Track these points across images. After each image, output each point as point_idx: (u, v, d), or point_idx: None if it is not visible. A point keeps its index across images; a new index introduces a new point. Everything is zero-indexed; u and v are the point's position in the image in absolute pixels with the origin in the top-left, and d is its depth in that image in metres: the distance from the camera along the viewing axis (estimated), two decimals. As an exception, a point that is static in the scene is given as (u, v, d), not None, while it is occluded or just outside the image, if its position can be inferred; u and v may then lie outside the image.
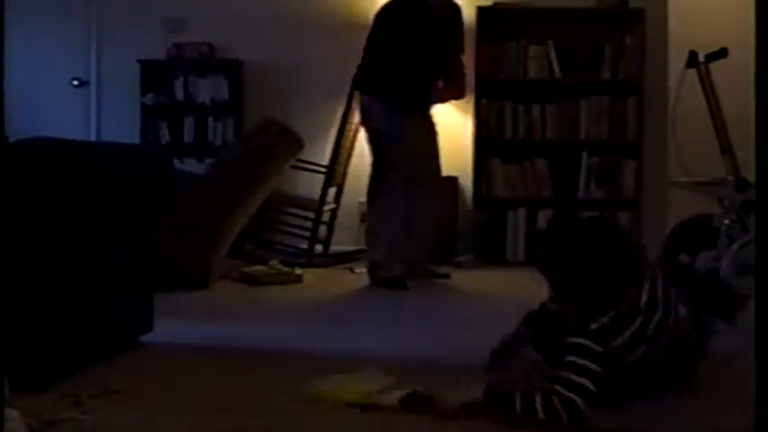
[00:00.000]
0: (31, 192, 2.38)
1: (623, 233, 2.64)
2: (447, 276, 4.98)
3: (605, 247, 2.39)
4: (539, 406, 2.21)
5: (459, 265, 5.53)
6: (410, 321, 3.72)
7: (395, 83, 4.60)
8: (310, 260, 5.40)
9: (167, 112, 6.29)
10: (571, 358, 2.29)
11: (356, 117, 5.27)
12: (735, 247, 3.52)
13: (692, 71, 3.69)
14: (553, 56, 5.89)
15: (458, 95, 5.02)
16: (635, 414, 2.33)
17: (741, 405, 1.90)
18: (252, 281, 4.77)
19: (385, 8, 4.74)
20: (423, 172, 4.77)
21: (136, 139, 6.12)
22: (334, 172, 5.59)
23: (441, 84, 4.85)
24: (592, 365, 2.26)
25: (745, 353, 1.75)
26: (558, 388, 2.23)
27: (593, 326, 2.31)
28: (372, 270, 4.67)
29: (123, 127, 6.25)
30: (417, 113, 4.76)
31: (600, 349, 2.28)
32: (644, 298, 2.37)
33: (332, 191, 5.72)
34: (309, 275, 4.95)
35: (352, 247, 5.66)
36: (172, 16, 6.32)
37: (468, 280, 5.03)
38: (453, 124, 6.07)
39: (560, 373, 2.28)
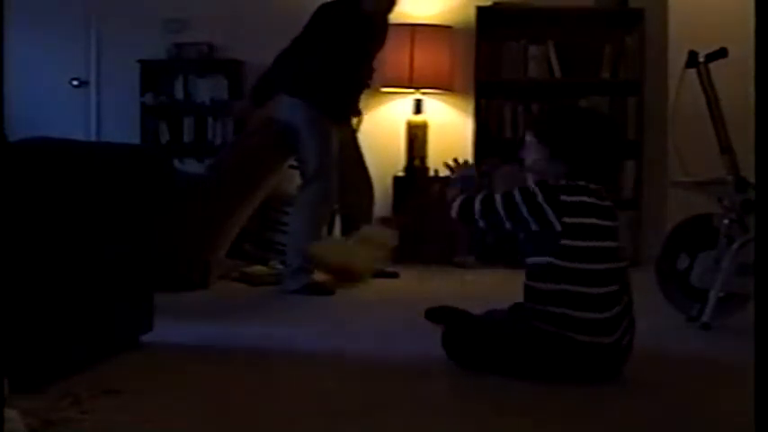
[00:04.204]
0: (31, 192, 2.38)
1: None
2: (395, 275, 5.01)
3: (600, 137, 2.70)
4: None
5: (460, 265, 5.53)
6: (410, 319, 3.71)
7: (330, 88, 4.52)
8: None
9: (167, 112, 6.29)
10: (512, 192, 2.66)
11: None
12: (735, 247, 3.51)
13: (692, 71, 3.69)
14: (553, 56, 5.89)
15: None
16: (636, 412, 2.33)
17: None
18: (252, 281, 4.76)
19: (325, 10, 4.53)
20: (351, 175, 4.77)
21: (136, 139, 6.12)
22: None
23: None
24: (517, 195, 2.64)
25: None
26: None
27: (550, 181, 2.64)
28: (295, 275, 4.48)
29: (123, 127, 6.25)
30: (344, 121, 4.75)
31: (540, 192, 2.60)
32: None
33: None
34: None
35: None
36: (172, 16, 6.32)
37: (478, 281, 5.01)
38: (453, 124, 6.07)
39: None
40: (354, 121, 4.96)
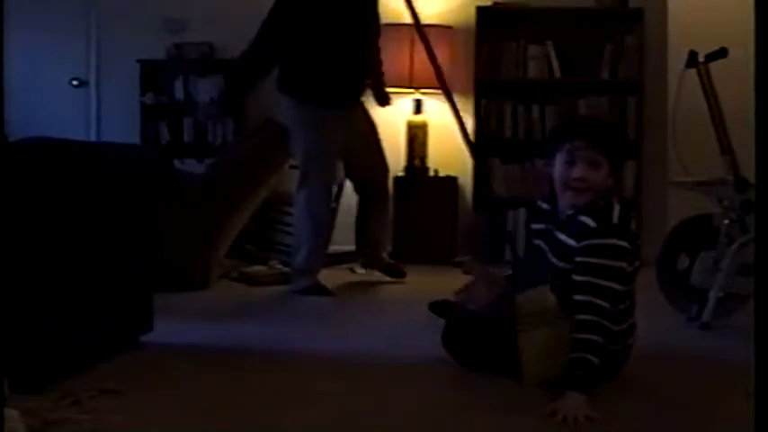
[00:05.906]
0: (30, 192, 2.38)
1: None
2: (402, 275, 4.92)
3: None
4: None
5: (459, 265, 5.53)
6: (411, 320, 3.72)
7: (313, 76, 4.31)
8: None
9: (167, 111, 6.29)
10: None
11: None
12: (735, 247, 3.51)
13: (692, 71, 3.69)
14: (553, 56, 5.89)
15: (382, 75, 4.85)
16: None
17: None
18: (252, 281, 4.77)
19: None
20: (362, 168, 4.65)
21: (136, 139, 6.13)
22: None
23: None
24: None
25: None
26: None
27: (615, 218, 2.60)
28: (296, 277, 4.45)
29: (123, 127, 6.26)
30: (344, 108, 4.44)
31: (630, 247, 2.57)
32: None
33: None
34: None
35: (352, 247, 5.66)
36: (172, 16, 6.33)
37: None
38: (453, 124, 6.07)
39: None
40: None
